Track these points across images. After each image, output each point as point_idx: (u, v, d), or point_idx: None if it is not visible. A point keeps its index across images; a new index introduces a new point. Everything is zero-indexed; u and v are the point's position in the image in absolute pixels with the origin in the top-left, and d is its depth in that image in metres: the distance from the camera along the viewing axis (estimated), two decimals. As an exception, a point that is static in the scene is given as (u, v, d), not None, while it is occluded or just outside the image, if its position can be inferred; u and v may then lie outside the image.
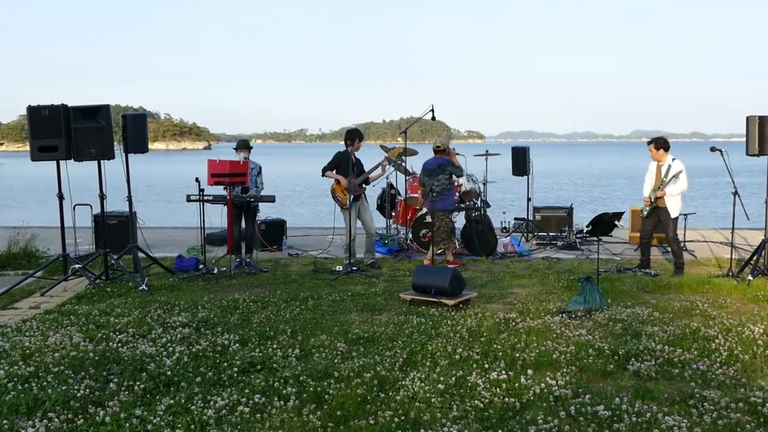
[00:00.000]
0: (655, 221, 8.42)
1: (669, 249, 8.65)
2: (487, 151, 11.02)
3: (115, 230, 9.51)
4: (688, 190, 8.35)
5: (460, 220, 10.66)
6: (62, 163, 7.84)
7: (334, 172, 8.93)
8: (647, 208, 8.37)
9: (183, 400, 4.22)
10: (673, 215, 8.20)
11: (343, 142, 9.00)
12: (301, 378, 4.56)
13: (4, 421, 3.98)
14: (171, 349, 5.22)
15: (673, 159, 8.24)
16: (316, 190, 29.13)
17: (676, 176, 8.04)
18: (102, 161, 7.94)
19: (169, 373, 4.67)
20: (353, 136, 8.83)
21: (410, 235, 10.09)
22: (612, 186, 34.59)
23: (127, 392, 4.37)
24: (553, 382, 4.49)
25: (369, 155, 9.15)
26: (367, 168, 9.10)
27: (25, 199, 28.05)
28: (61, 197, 7.96)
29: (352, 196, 8.77)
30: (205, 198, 8.36)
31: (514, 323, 5.96)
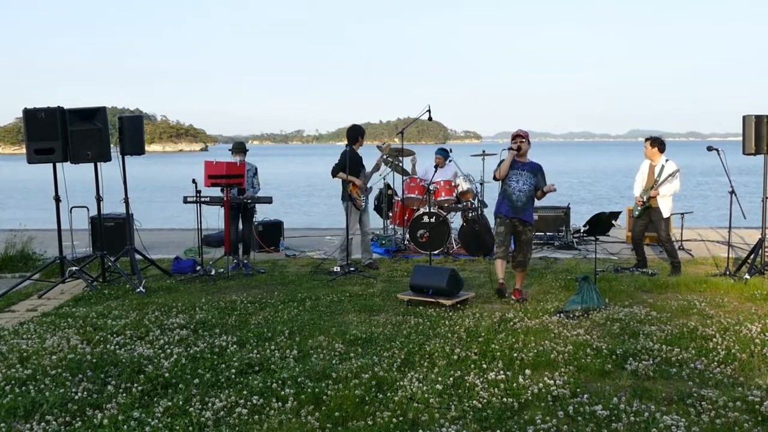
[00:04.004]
0: (647, 221, 8.44)
1: (663, 249, 8.66)
2: (483, 151, 11.02)
3: (112, 232, 9.48)
4: (681, 191, 8.38)
5: (457, 220, 10.68)
6: (59, 165, 7.83)
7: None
8: (639, 208, 8.39)
9: (181, 402, 4.21)
10: (665, 215, 8.22)
11: (341, 143, 8.98)
12: (299, 379, 4.55)
13: (2, 424, 3.97)
14: (169, 350, 5.21)
15: (667, 160, 8.24)
16: (322, 190, 29.12)
17: (673, 174, 8.05)
18: (98, 163, 7.92)
19: (166, 375, 4.66)
20: (361, 132, 8.83)
21: (407, 236, 10.09)
22: (610, 185, 34.66)
23: (124, 394, 4.36)
24: (551, 381, 4.49)
25: (366, 155, 9.12)
26: (367, 167, 9.07)
27: (22, 201, 27.99)
28: (57, 200, 7.93)
29: (365, 197, 8.83)
30: (202, 199, 8.35)
31: (511, 323, 5.96)
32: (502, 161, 7.15)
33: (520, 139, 7.06)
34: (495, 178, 7.17)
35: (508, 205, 7.07)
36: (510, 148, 7.05)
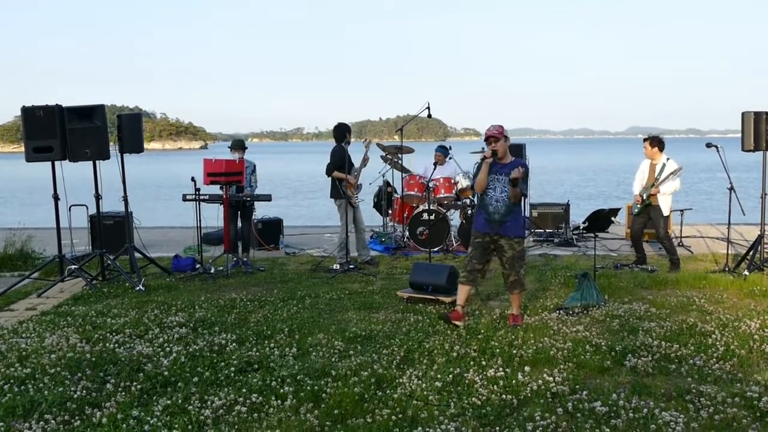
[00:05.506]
0: (646, 219, 8.44)
1: (662, 246, 8.66)
2: (483, 149, 11.00)
3: (112, 230, 9.46)
4: (681, 189, 8.39)
5: (456, 217, 10.67)
6: (57, 163, 7.82)
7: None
8: (638, 206, 8.40)
9: (180, 401, 4.22)
10: (665, 213, 8.24)
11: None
12: (298, 377, 4.55)
13: (1, 424, 3.97)
14: (168, 349, 5.22)
15: (668, 159, 8.25)
16: (324, 189, 29.04)
17: (675, 173, 8.05)
18: (97, 161, 7.92)
19: (166, 373, 4.67)
20: (348, 129, 8.88)
21: (407, 233, 10.08)
22: (609, 182, 34.64)
23: (124, 393, 4.36)
24: (551, 378, 4.49)
25: (353, 152, 9.08)
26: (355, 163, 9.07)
27: (21, 200, 27.97)
28: (56, 198, 7.93)
29: (357, 193, 8.84)
30: (202, 197, 8.35)
31: (511, 320, 5.96)
32: (478, 166, 6.14)
33: (493, 139, 5.79)
34: (472, 188, 6.20)
35: (483, 219, 5.90)
36: (484, 157, 5.84)
